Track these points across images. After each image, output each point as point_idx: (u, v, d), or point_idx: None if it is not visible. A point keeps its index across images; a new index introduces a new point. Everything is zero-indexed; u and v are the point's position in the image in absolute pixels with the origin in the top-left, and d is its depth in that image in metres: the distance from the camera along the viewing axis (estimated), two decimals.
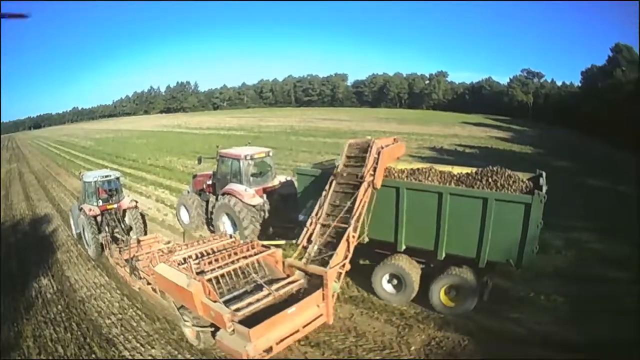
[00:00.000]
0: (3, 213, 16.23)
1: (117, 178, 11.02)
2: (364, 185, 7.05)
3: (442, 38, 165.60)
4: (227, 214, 10.69)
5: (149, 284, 7.65)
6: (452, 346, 6.40)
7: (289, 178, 11.65)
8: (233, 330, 5.50)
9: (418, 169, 7.86)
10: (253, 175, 10.92)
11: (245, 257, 7.00)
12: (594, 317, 6.93)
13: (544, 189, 6.48)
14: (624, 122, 27.64)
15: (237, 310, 5.71)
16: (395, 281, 7.67)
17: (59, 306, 8.26)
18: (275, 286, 6.36)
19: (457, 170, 7.86)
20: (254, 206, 10.34)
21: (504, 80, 72.96)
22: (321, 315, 6.32)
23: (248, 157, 10.69)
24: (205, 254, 7.36)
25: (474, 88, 76.58)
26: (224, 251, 7.29)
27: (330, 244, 6.85)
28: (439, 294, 7.20)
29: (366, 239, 7.52)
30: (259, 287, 6.42)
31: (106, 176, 10.80)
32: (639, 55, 37.95)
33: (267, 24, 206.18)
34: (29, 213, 16.47)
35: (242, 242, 7.86)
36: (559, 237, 10.22)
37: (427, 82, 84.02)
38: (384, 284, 7.76)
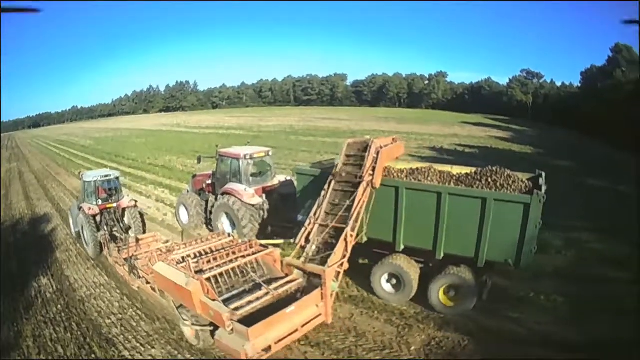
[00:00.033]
0: (3, 213, 16.20)
1: (117, 178, 11.06)
2: (363, 184, 7.05)
3: (441, 38, 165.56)
4: (227, 214, 10.69)
5: (148, 283, 7.65)
6: (452, 346, 6.40)
7: (288, 178, 11.64)
8: (232, 329, 5.49)
9: (417, 169, 7.85)
10: (252, 174, 10.92)
11: (243, 257, 7.00)
12: (594, 317, 6.92)
13: (544, 189, 6.49)
14: (624, 123, 27.67)
15: (236, 309, 5.71)
16: (394, 281, 7.67)
17: (59, 306, 8.25)
18: (273, 285, 6.36)
19: (456, 170, 7.86)
20: (253, 206, 10.35)
21: (503, 80, 73.15)
22: (320, 314, 6.32)
23: (247, 157, 10.69)
24: (204, 253, 7.35)
25: (474, 88, 76.56)
26: (222, 250, 7.28)
27: (328, 243, 6.85)
28: (438, 293, 7.20)
29: (365, 239, 7.52)
30: (257, 286, 6.42)
31: (106, 176, 10.84)
32: (639, 55, 37.99)
33: (266, 24, 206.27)
34: (29, 212, 16.44)
35: (240, 241, 7.85)
36: (559, 237, 10.22)
37: (426, 82, 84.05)
38: (383, 284, 7.75)
